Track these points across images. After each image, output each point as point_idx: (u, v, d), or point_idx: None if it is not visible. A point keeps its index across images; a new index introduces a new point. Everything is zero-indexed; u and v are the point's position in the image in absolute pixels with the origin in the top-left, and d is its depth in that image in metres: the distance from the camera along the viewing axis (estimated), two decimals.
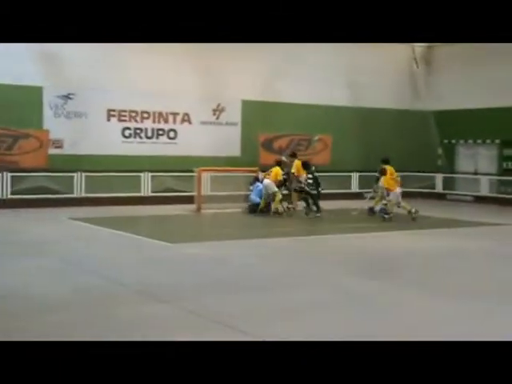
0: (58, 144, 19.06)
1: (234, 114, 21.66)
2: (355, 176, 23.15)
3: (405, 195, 17.24)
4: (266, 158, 21.81)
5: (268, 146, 22.13)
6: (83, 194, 19.00)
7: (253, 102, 21.55)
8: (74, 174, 19.00)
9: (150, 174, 20.07)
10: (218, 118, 21.56)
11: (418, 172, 23.53)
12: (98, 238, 13.06)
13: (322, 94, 22.44)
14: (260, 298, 7.93)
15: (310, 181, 17.05)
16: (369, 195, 17.78)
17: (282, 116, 22.11)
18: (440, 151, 24.63)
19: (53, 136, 18.83)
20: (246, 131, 21.66)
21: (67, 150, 19.05)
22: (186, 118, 21.15)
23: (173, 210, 17.94)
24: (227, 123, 21.66)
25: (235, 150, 21.35)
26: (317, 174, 17.29)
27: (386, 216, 16.08)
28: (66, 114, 19.16)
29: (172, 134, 20.99)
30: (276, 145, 22.32)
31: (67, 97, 19.11)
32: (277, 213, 16.99)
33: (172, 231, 14.34)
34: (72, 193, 18.91)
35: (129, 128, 20.32)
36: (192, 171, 18.93)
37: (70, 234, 13.39)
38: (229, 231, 14.43)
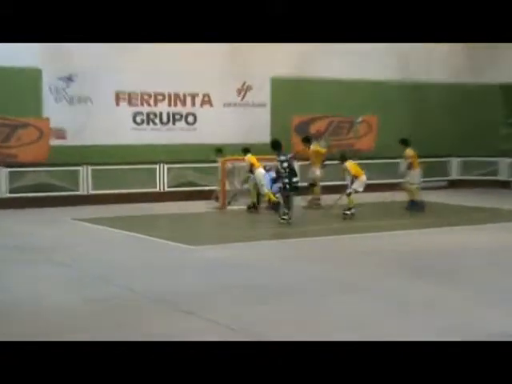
0: (61, 134, 19.62)
1: (263, 93, 22.02)
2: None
3: (463, 184, 17.62)
4: (300, 144, 22.16)
5: (302, 130, 22.21)
6: (90, 191, 19.63)
7: (284, 80, 21.86)
8: (79, 168, 19.60)
9: (167, 166, 20.51)
10: (243, 99, 21.95)
11: (478, 157, 23.80)
12: (109, 241, 13.65)
13: (366, 68, 22.66)
14: (296, 305, 8.45)
15: (285, 169, 15.40)
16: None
17: (318, 95, 22.38)
18: (505, 132, 24.73)
19: (54, 125, 19.38)
20: (277, 113, 21.98)
21: (71, 140, 19.60)
22: (207, 100, 21.57)
23: (194, 207, 18.41)
24: (254, 105, 22.05)
25: (264, 136, 21.56)
26: (288, 158, 15.63)
27: (348, 212, 16.15)
28: (68, 99, 19.73)
29: (191, 119, 21.45)
30: (312, 128, 22.55)
31: (69, 79, 19.66)
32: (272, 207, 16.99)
33: (193, 232, 14.89)
34: (77, 190, 19.54)
35: (141, 113, 20.84)
36: (214, 161, 19.37)
37: (78, 237, 13.99)
38: (256, 231, 14.94)
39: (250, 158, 18.01)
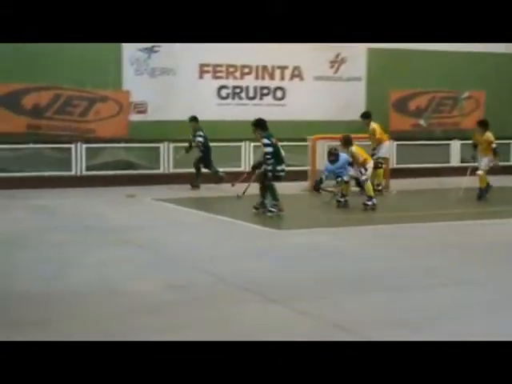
0: (141, 108, 19.73)
1: (358, 66, 21.65)
2: None
3: None
4: (399, 122, 21.69)
5: (401, 106, 21.96)
6: (171, 170, 19.65)
7: (382, 51, 21.32)
8: (160, 145, 19.66)
9: (253, 144, 20.40)
10: (336, 72, 21.62)
11: None
12: (190, 223, 13.55)
13: None
14: (394, 299, 8.04)
15: (269, 154, 14.15)
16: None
17: (419, 67, 21.82)
18: None
19: (134, 98, 19.52)
20: (373, 88, 21.59)
21: (151, 115, 19.68)
22: (297, 73, 21.33)
23: (281, 189, 18.15)
24: (349, 78, 21.69)
25: (358, 113, 21.26)
26: (274, 142, 14.31)
27: (342, 200, 15.43)
28: (149, 71, 19.79)
29: (279, 94, 21.24)
30: (412, 105, 22.14)
31: (151, 50, 19.70)
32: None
33: (279, 215, 14.61)
34: (158, 168, 19.61)
35: (226, 87, 20.74)
36: (304, 140, 19.10)
37: (158, 219, 13.96)
38: (347, 215, 14.57)
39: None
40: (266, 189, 14.24)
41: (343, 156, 16.85)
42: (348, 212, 15.27)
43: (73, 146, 18.97)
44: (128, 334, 6.67)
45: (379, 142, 17.91)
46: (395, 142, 20.99)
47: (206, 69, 20.46)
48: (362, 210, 14.88)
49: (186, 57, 19.83)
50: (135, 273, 9.33)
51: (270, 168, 14.04)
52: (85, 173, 19.03)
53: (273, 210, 14.13)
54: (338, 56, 21.53)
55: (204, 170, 18.85)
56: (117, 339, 6.23)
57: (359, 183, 16.05)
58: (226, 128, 20.23)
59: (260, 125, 14.51)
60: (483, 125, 17.12)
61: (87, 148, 19.04)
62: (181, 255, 10.41)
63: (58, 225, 13.09)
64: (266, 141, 14.18)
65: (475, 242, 11.51)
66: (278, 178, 14.31)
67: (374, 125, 18.09)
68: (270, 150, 14.06)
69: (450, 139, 22.10)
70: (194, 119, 18.69)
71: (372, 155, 16.91)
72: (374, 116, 19.17)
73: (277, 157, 14.12)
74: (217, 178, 18.84)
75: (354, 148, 15.54)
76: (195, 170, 18.72)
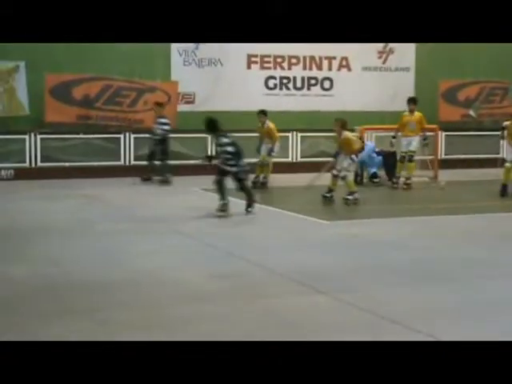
0: (189, 98, 19.86)
1: (406, 56, 21.54)
2: None
3: None
4: (449, 112, 21.47)
5: (451, 96, 21.80)
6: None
7: None
8: (208, 136, 19.68)
9: (300, 135, 20.38)
10: (384, 63, 21.56)
11: None
12: (239, 213, 13.53)
13: None
14: (445, 290, 7.98)
15: (228, 154, 13.09)
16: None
17: (469, 57, 21.63)
18: None
19: (182, 89, 19.64)
20: (422, 78, 21.47)
21: (199, 105, 19.82)
22: (345, 64, 21.28)
23: (327, 180, 18.13)
24: (397, 69, 21.61)
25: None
26: (232, 141, 13.29)
27: (351, 197, 14.30)
28: (197, 62, 19.90)
29: (327, 84, 21.21)
30: (461, 95, 21.95)
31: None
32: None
33: (327, 206, 14.58)
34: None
35: (274, 77, 20.76)
36: (352, 130, 18.98)
37: (204, 208, 13.98)
38: (402, 206, 14.49)
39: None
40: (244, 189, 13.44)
41: (369, 144, 16.80)
42: (408, 201, 15.14)
43: (121, 136, 19.16)
44: (172, 321, 6.75)
45: (417, 134, 17.11)
46: (444, 133, 20.81)
47: (253, 59, 20.51)
48: (343, 203, 14.35)
49: (233, 47, 19.79)
50: (184, 262, 9.39)
51: (234, 170, 13.09)
52: (133, 163, 19.19)
53: (223, 210, 12.93)
54: (386, 46, 21.40)
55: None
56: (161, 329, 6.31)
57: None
58: (274, 118, 20.14)
59: (212, 128, 13.36)
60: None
61: (135, 138, 19.20)
62: (228, 245, 10.43)
63: (108, 214, 13.25)
64: (225, 140, 13.16)
65: None
66: (239, 180, 13.30)
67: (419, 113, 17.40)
68: (230, 149, 13.03)
69: (499, 130, 21.78)
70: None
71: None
72: (423, 106, 18.97)
73: (237, 154, 13.15)
74: (163, 179, 17.59)
75: (348, 133, 14.84)
76: (157, 161, 17.79)
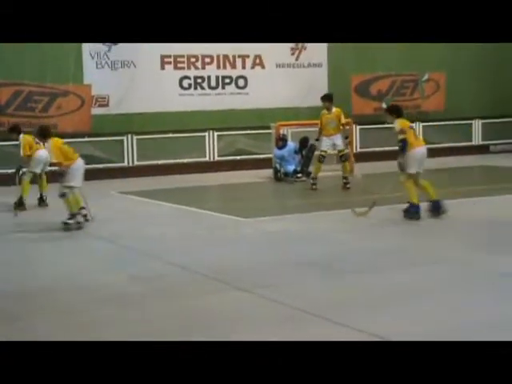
0: (103, 101, 19.62)
1: (319, 52, 21.65)
2: (477, 124, 22.82)
3: None
4: (361, 106, 21.80)
5: (363, 90, 22.08)
6: (135, 163, 19.58)
7: None
8: (123, 138, 19.56)
9: (217, 134, 20.39)
10: (297, 59, 21.69)
11: None
12: (156, 214, 13.49)
13: None
14: (360, 282, 8.13)
15: None
16: None
17: (380, 51, 21.71)
18: None
19: (96, 92, 19.39)
20: (335, 73, 21.68)
21: (114, 108, 19.62)
22: (258, 62, 21.34)
23: (246, 177, 18.25)
24: (310, 65, 21.76)
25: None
26: None
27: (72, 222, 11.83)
28: (110, 64, 19.67)
29: (241, 83, 21.24)
30: (373, 89, 22.28)
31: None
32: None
33: (246, 204, 14.61)
34: (122, 161, 19.53)
35: (188, 77, 20.69)
36: (268, 127, 19.12)
37: (123, 211, 13.90)
38: (317, 200, 14.63)
39: None
40: None
41: (291, 144, 17.07)
42: (324, 195, 15.32)
43: None
44: (94, 325, 6.69)
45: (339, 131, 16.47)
46: (358, 126, 21.14)
47: (167, 60, 20.40)
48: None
49: (146, 48, 19.66)
50: (104, 266, 9.30)
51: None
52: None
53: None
54: (298, 43, 21.53)
55: None
56: (84, 332, 6.27)
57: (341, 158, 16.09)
58: (190, 118, 20.23)
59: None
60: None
61: None
62: (148, 247, 10.34)
63: (23, 222, 13.02)
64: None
65: None
66: None
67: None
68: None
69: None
70: None
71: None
72: (337, 101, 19.21)
73: None
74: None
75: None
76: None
